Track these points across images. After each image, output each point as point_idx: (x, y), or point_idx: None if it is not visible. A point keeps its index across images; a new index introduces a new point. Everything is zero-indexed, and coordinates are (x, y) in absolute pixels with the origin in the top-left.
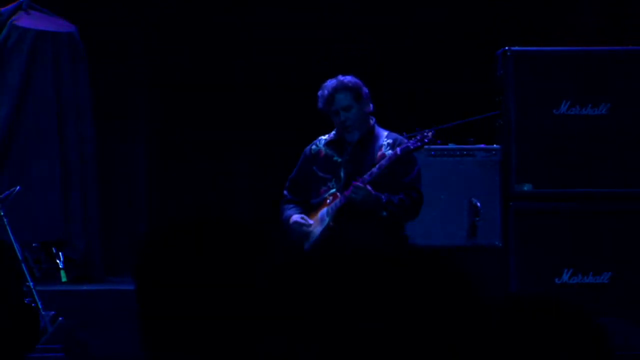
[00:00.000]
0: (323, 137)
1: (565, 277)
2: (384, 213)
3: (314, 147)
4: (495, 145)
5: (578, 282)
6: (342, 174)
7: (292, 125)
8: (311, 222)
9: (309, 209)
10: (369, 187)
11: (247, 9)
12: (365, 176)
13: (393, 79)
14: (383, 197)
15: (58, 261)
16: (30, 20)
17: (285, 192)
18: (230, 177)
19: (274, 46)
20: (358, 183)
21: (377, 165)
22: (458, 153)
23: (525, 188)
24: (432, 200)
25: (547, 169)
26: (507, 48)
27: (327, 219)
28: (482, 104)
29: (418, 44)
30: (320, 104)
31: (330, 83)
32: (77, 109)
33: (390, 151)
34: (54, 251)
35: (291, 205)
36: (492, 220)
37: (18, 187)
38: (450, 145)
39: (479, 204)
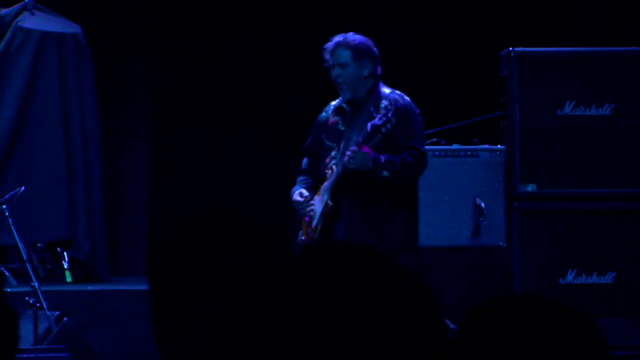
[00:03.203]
0: (333, 103)
1: (569, 277)
2: (385, 173)
3: (324, 114)
4: (499, 146)
5: (582, 282)
6: (342, 144)
7: (298, 119)
8: (309, 197)
9: (321, 181)
10: (366, 149)
11: (249, 4)
12: (359, 138)
13: (396, 79)
14: (382, 157)
15: (63, 261)
16: (35, 21)
17: (303, 161)
18: (235, 173)
19: (276, 44)
20: (354, 147)
21: (362, 133)
22: (462, 153)
23: (529, 188)
24: (436, 201)
25: (551, 169)
26: (511, 49)
27: (326, 196)
28: (486, 104)
29: (421, 44)
30: (324, 56)
31: (337, 37)
32: (83, 109)
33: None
34: (59, 251)
35: (302, 178)
36: (496, 221)
37: (23, 188)
38: (455, 146)
39: (483, 205)
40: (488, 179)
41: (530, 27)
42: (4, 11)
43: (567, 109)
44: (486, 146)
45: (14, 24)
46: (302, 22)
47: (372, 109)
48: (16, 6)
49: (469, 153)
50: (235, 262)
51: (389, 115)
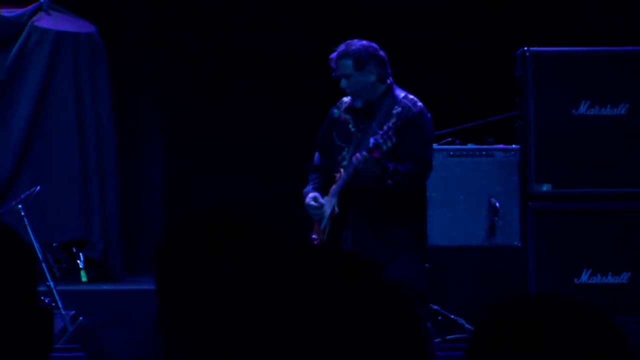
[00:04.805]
0: (345, 99)
1: (584, 277)
2: (389, 182)
3: (335, 110)
4: (514, 146)
5: (597, 282)
6: (352, 147)
7: (308, 119)
8: (322, 202)
9: (331, 180)
10: (376, 155)
11: (260, 7)
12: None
13: (410, 80)
14: (390, 165)
15: (78, 261)
16: (50, 21)
17: (315, 155)
18: (250, 172)
19: (287, 45)
20: (364, 152)
21: (371, 141)
22: (477, 153)
23: (544, 188)
24: (450, 201)
25: (566, 169)
26: (525, 48)
27: (334, 200)
28: (501, 104)
29: (436, 45)
30: (331, 66)
31: (340, 48)
32: (97, 109)
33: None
34: (75, 251)
35: (314, 176)
36: (511, 221)
37: (38, 187)
38: (470, 146)
39: (498, 204)
40: (503, 178)
41: (546, 26)
42: (20, 11)
43: (582, 108)
44: (501, 146)
45: (29, 23)
46: (310, 22)
47: (380, 118)
48: (32, 6)
49: (484, 153)
50: (230, 258)
51: (390, 134)
